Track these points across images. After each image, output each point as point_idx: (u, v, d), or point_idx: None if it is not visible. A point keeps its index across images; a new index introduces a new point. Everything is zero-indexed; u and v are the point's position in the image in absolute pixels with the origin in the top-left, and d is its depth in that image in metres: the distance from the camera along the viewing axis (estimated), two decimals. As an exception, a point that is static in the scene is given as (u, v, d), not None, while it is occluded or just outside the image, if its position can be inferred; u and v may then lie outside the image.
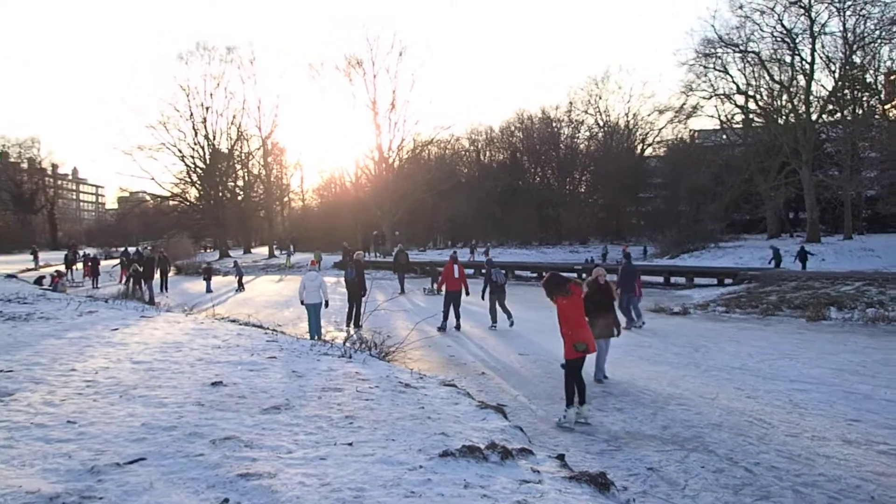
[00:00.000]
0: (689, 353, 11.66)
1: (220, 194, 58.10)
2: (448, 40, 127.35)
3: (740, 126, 45.88)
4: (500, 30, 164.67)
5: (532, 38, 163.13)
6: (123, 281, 30.09)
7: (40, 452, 4.55)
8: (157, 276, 26.06)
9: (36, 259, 42.26)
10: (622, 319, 12.51)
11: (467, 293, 15.67)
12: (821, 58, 39.35)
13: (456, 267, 15.62)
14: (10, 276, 28.81)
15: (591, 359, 8.82)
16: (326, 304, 13.93)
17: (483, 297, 15.59)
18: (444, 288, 15.75)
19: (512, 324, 15.06)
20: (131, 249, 45.49)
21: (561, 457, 5.13)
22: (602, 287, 9.52)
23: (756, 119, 44.30)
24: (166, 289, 25.86)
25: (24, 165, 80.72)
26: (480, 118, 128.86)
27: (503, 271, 16.21)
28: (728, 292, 21.49)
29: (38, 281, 25.15)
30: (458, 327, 15.16)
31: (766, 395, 8.58)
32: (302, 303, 13.75)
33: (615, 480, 4.90)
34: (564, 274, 8.08)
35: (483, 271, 16.90)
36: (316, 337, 12.81)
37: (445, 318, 15.20)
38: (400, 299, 20.83)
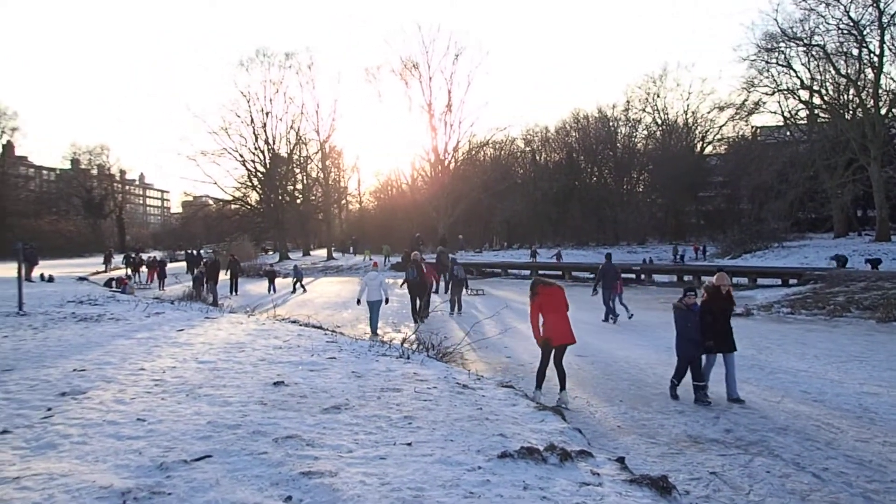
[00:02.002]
0: (752, 356, 11.34)
1: (280, 198, 59.07)
2: (503, 41, 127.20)
3: (805, 122, 44.40)
4: (555, 29, 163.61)
5: (588, 37, 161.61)
6: (150, 281, 31.32)
7: (112, 449, 4.74)
8: (226, 278, 26.63)
9: (107, 262, 43.60)
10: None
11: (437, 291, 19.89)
12: (890, 49, 37.76)
13: (423, 265, 17.81)
14: (81, 278, 30.01)
15: (717, 376, 8.55)
16: (387, 301, 14.81)
17: (446, 291, 18.42)
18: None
19: (452, 314, 16.76)
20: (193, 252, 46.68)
21: (621, 459, 5.07)
22: (724, 296, 8.51)
23: (821, 114, 42.83)
24: (236, 291, 26.37)
25: (94, 172, 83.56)
26: (536, 118, 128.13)
27: (464, 269, 18.61)
28: (793, 293, 20.85)
29: (108, 283, 26.08)
30: (426, 315, 17.01)
31: (834, 398, 8.30)
32: (358, 302, 14.70)
33: (677, 484, 4.81)
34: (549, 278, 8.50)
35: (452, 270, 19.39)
36: (375, 332, 14.09)
37: (422, 310, 17.18)
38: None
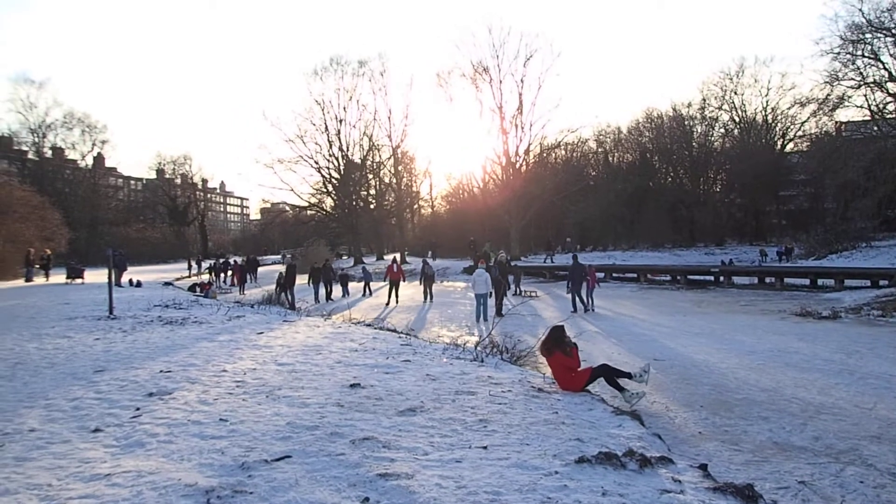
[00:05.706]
0: (841, 360, 10.84)
1: (354, 203, 60.18)
2: (574, 40, 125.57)
3: (893, 116, 42.28)
4: (627, 27, 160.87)
5: (660, 34, 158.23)
6: (234, 284, 32.18)
7: (196, 448, 4.90)
8: (303, 282, 26.88)
9: (190, 267, 45.24)
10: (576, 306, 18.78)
11: (404, 279, 25.82)
12: None
13: (395, 265, 24.10)
14: (167, 283, 31.21)
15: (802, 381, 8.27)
16: (491, 295, 17.58)
17: (420, 283, 23.79)
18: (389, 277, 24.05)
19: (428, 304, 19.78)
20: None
21: (703, 466, 4.91)
22: None
23: (912, 108, 40.73)
24: (330, 297, 25.81)
25: (178, 181, 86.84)
26: (608, 119, 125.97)
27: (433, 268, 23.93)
28: (884, 294, 19.84)
29: (192, 288, 27.02)
30: (396, 302, 22.71)
31: (933, 406, 7.84)
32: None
33: (763, 493, 4.62)
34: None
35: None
36: (482, 318, 16.83)
37: (389, 297, 23.12)
38: (530, 304, 20.72)
